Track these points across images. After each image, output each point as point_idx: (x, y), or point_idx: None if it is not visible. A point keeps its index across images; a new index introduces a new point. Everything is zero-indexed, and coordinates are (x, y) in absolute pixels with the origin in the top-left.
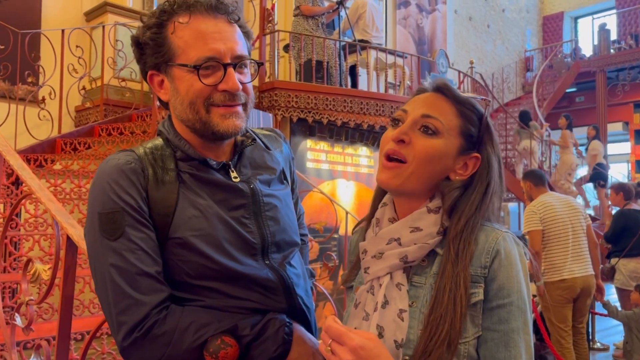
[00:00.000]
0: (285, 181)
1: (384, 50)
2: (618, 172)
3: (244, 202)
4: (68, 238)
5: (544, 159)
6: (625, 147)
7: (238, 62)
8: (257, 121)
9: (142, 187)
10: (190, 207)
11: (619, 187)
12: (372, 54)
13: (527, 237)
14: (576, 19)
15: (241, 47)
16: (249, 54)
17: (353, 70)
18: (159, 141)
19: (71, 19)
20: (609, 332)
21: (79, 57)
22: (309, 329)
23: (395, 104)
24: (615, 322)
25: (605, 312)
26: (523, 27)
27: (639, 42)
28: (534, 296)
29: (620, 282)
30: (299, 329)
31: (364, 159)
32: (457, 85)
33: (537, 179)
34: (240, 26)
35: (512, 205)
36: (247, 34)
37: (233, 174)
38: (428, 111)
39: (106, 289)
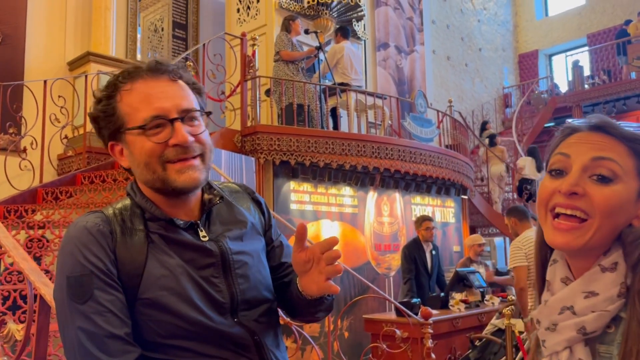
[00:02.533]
0: (258, 235)
1: (363, 92)
2: None
3: (212, 261)
4: (41, 298)
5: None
6: None
7: (185, 115)
8: (240, 165)
9: (110, 248)
10: (159, 266)
11: None
12: (352, 96)
13: (512, 273)
14: (550, 56)
15: (188, 101)
16: (202, 107)
17: (334, 113)
18: (128, 202)
19: (54, 69)
20: None
21: (62, 107)
22: None
23: (376, 144)
24: None
25: None
26: (500, 65)
27: (612, 77)
28: (521, 332)
29: None
30: None
31: (347, 198)
32: (436, 123)
33: (521, 215)
34: (187, 83)
35: (497, 240)
36: (196, 90)
37: (202, 233)
38: (599, 152)
39: (74, 353)
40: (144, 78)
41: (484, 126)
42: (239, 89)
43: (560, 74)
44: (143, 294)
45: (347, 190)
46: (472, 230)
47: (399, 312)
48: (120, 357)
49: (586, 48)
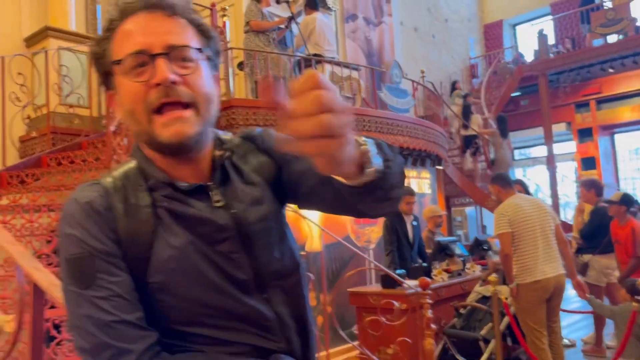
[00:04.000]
0: (273, 191)
1: (338, 64)
2: (566, 170)
3: (227, 235)
4: (34, 284)
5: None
6: (571, 147)
7: (171, 52)
8: None
9: (110, 227)
10: (167, 247)
11: (591, 184)
12: (327, 67)
13: (496, 239)
14: (514, 26)
15: (181, 37)
16: (205, 49)
17: None
18: (131, 165)
19: (10, 46)
20: (575, 328)
21: (21, 85)
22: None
23: (353, 116)
24: (581, 317)
25: (572, 308)
26: (466, 35)
27: (576, 45)
28: (506, 298)
29: (592, 278)
30: None
31: None
32: (411, 93)
33: (504, 182)
34: (191, 22)
35: (469, 210)
36: (203, 32)
37: (215, 197)
38: None
39: (84, 342)
40: (137, 14)
41: (453, 86)
42: None
43: (526, 43)
44: (152, 278)
45: None
46: (447, 200)
47: (384, 283)
48: (136, 343)
49: (550, 17)
